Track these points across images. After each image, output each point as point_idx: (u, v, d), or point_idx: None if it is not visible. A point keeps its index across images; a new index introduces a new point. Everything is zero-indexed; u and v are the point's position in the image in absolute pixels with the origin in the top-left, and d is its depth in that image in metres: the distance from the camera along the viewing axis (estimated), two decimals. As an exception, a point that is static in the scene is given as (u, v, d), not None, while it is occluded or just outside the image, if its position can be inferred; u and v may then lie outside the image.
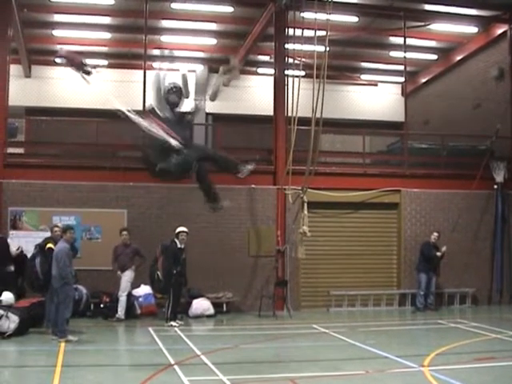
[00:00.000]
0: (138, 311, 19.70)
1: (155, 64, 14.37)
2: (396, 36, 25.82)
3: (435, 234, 22.04)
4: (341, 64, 28.83)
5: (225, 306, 20.93)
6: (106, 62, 28.47)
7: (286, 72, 22.08)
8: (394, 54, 27.50)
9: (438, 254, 21.66)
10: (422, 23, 25.11)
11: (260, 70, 29.59)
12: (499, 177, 23.52)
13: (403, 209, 23.11)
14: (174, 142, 10.99)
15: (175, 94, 12.55)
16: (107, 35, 25.79)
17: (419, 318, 20.66)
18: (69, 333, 15.42)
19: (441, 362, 13.26)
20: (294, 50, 20.73)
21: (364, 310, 22.19)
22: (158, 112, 11.92)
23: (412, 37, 25.54)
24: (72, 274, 15.72)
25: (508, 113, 24.34)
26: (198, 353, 14.04)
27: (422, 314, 21.21)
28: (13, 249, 17.98)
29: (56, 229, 16.83)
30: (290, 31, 21.34)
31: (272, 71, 23.46)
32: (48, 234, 17.48)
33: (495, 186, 23.56)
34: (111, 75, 28.58)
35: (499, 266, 23.55)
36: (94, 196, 20.83)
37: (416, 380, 11.78)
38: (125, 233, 19.51)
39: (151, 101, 12.18)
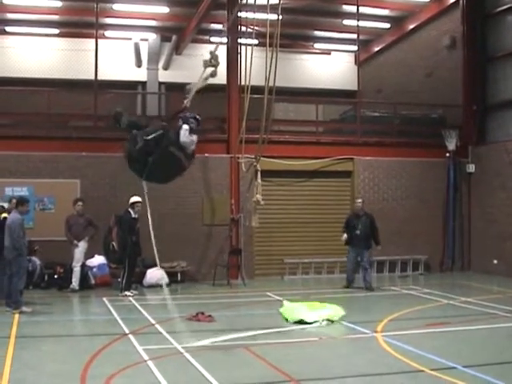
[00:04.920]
0: (93, 282, 19.64)
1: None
2: (349, 4, 25.82)
3: (358, 200, 20.55)
4: (294, 32, 28.78)
5: (179, 275, 20.96)
6: (57, 31, 28.08)
7: (239, 40, 21.98)
8: (347, 22, 27.48)
9: (358, 232, 19.68)
10: (375, -9, 25.21)
11: (213, 39, 29.38)
12: (451, 145, 23.72)
13: (356, 177, 23.27)
14: None
15: None
16: (58, 3, 25.29)
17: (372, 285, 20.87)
18: (23, 304, 15.36)
19: (393, 327, 13.46)
20: (246, 18, 20.62)
21: (318, 278, 22.38)
22: None
23: (365, 5, 25.60)
24: (25, 244, 15.61)
25: (459, 81, 24.54)
26: (153, 322, 14.10)
27: (375, 280, 21.24)
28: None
29: (14, 201, 16.68)
30: (243, -1, 21.22)
31: (225, 40, 23.35)
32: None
33: (447, 154, 23.78)
34: (62, 44, 28.29)
35: (451, 234, 23.87)
36: (47, 166, 20.63)
37: (369, 345, 11.95)
38: (80, 203, 19.39)
39: None
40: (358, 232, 19.61)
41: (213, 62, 12.15)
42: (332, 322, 13.72)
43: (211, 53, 12.28)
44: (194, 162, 11.52)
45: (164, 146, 10.74)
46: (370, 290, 19.47)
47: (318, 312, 13.98)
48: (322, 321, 13.66)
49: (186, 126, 11.06)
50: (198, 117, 11.49)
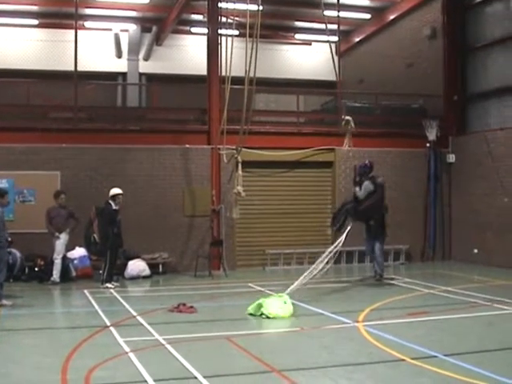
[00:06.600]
0: (74, 274, 19.54)
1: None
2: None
3: None
4: (274, 23, 28.77)
5: (161, 266, 20.92)
6: (36, 22, 27.88)
7: (220, 31, 21.93)
8: (327, 12, 27.39)
9: (371, 222, 19.31)
10: (356, -19, 25.19)
11: (193, 30, 29.34)
12: (432, 135, 23.78)
13: (337, 167, 23.29)
14: None
15: None
16: (37, -6, 25.21)
17: (354, 275, 20.89)
18: (3, 297, 15.25)
19: (375, 317, 13.49)
20: (227, 8, 20.59)
21: (299, 268, 22.29)
22: None
23: (345, -5, 25.61)
24: (6, 237, 15.50)
25: (440, 71, 24.61)
26: (134, 314, 14.05)
27: (356, 271, 21.38)
28: None
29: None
30: (223, -11, 21.17)
31: (205, 30, 23.29)
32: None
33: (428, 145, 23.85)
34: (42, 35, 28.12)
35: (432, 224, 23.96)
36: (27, 158, 20.48)
37: (351, 335, 11.96)
38: (63, 196, 19.25)
39: None
40: (371, 222, 19.38)
41: (350, 126, 18.68)
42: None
43: (344, 119, 18.83)
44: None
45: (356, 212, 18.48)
46: (377, 280, 19.10)
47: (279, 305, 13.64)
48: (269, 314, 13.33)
49: (356, 189, 18.61)
50: (365, 164, 19.14)
